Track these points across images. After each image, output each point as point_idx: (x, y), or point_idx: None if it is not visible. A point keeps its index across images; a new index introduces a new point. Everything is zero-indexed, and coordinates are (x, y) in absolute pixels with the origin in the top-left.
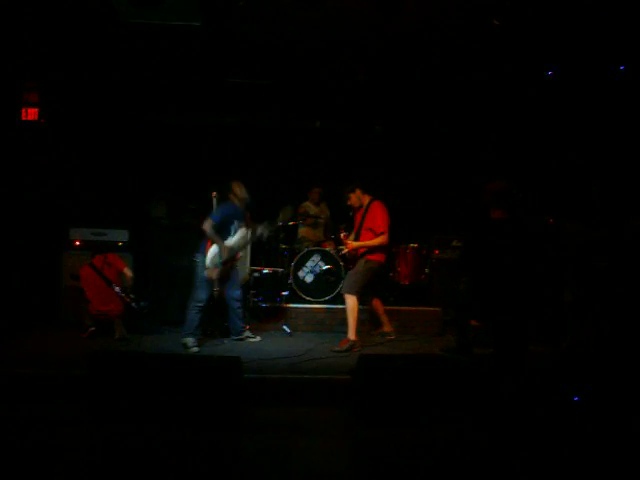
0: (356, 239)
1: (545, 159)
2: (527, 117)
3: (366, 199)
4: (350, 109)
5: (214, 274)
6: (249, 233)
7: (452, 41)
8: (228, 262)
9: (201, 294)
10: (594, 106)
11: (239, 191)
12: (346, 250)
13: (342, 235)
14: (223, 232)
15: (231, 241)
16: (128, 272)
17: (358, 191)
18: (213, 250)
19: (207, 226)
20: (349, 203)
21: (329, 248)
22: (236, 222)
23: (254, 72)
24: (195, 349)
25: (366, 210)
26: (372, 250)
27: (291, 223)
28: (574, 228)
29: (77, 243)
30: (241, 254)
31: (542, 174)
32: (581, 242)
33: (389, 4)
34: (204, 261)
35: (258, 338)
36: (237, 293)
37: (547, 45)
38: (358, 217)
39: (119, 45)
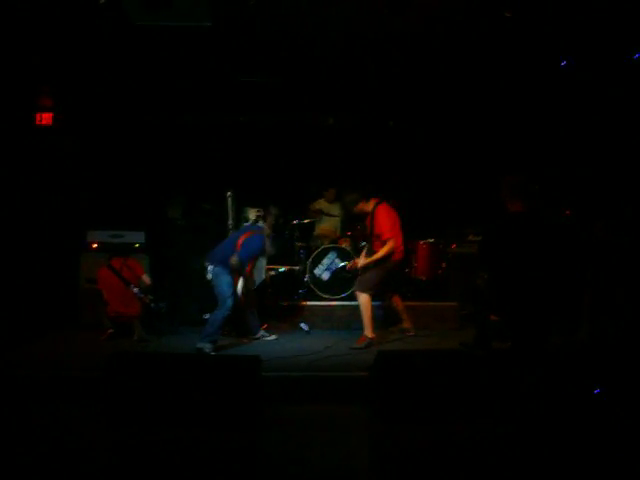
0: (368, 245)
1: (562, 151)
2: (542, 109)
3: (370, 205)
4: (363, 105)
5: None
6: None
7: (465, 34)
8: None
9: (229, 301)
10: (609, 96)
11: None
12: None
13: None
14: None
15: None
16: (146, 279)
17: (361, 202)
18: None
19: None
20: (356, 214)
21: (345, 245)
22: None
23: (266, 70)
24: (212, 354)
25: (372, 217)
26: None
27: (306, 221)
28: (602, 226)
29: (94, 245)
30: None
31: (559, 166)
32: (606, 238)
33: None
34: (217, 270)
35: (274, 336)
36: (252, 296)
37: (561, 36)
38: (367, 223)
39: (131, 47)
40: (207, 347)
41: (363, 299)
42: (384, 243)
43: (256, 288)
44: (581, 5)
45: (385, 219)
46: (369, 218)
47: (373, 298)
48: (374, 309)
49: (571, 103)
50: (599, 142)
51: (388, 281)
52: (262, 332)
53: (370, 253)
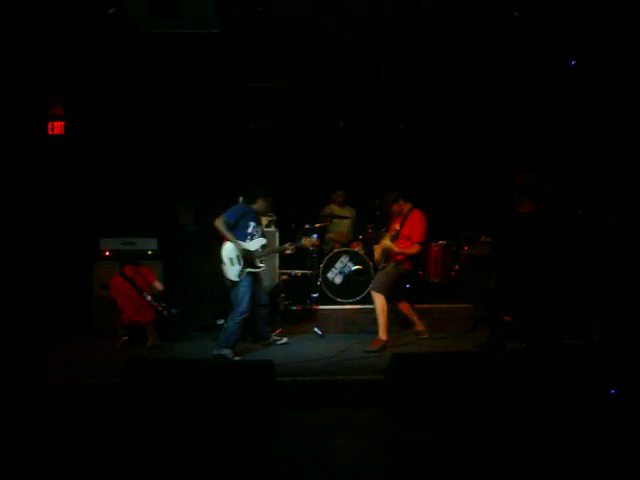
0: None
1: (573, 149)
2: (552, 108)
3: (406, 207)
4: (373, 108)
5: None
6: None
7: (474, 34)
8: (248, 264)
9: (245, 306)
10: (620, 94)
11: (262, 205)
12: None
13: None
14: (238, 232)
15: (249, 245)
16: (158, 285)
17: (400, 200)
18: (228, 246)
19: (218, 222)
20: (390, 211)
21: (357, 249)
22: (252, 225)
23: (275, 76)
24: (237, 358)
25: (405, 218)
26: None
27: (317, 225)
28: (614, 221)
29: (107, 253)
30: (264, 266)
31: (570, 165)
32: (622, 238)
33: (407, 1)
34: (239, 271)
35: (285, 339)
36: (263, 299)
37: (570, 35)
38: (396, 223)
39: (140, 55)
40: (225, 352)
41: (379, 301)
42: (413, 245)
43: (268, 293)
44: (589, 3)
45: (422, 224)
46: (400, 218)
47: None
48: (389, 311)
49: (580, 101)
50: (610, 138)
51: (398, 287)
52: (274, 336)
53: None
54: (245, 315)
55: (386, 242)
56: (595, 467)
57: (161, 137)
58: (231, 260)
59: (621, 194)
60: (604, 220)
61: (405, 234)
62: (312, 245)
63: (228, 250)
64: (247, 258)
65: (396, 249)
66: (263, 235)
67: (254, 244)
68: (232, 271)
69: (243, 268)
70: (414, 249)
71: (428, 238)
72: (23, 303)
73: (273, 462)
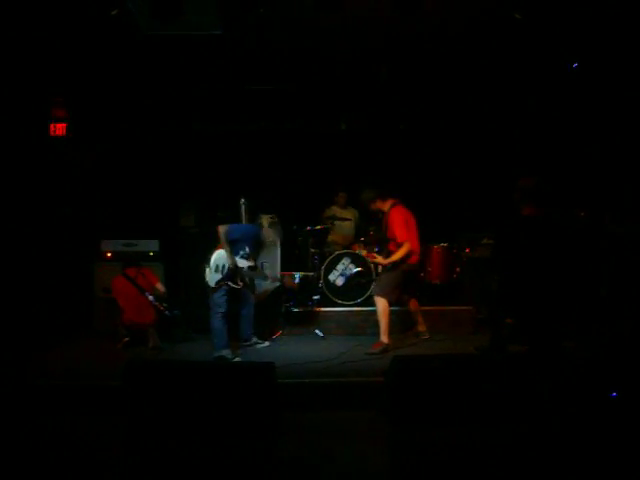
0: (383, 245)
1: (574, 151)
2: (554, 111)
3: (387, 205)
4: (374, 109)
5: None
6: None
7: (474, 37)
8: (229, 278)
9: (220, 301)
10: (621, 98)
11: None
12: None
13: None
14: (234, 246)
15: (239, 262)
16: (161, 287)
17: (378, 200)
18: (220, 254)
19: (222, 230)
20: (372, 210)
21: (359, 251)
22: (246, 249)
23: (277, 78)
24: (237, 359)
25: (387, 218)
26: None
27: (319, 227)
28: (611, 221)
29: (109, 255)
30: (240, 286)
31: (571, 167)
32: (618, 235)
33: (408, 2)
34: (217, 280)
35: (267, 343)
36: (250, 300)
37: (571, 37)
38: (384, 223)
39: (143, 57)
40: (224, 353)
41: (381, 305)
42: (400, 245)
43: (269, 295)
44: (591, 6)
45: (398, 222)
46: (385, 218)
47: (391, 303)
48: (391, 314)
49: (582, 104)
50: (611, 140)
51: (405, 285)
52: (255, 339)
53: (386, 253)
54: (222, 309)
55: (373, 259)
56: (596, 468)
57: (163, 139)
58: (217, 267)
59: (618, 193)
60: (601, 215)
61: (390, 236)
62: (290, 285)
63: (219, 257)
64: (232, 272)
65: (384, 262)
66: (253, 259)
67: (243, 263)
68: (212, 278)
69: (223, 279)
70: (402, 250)
71: (430, 241)
72: (25, 304)
73: (274, 464)
